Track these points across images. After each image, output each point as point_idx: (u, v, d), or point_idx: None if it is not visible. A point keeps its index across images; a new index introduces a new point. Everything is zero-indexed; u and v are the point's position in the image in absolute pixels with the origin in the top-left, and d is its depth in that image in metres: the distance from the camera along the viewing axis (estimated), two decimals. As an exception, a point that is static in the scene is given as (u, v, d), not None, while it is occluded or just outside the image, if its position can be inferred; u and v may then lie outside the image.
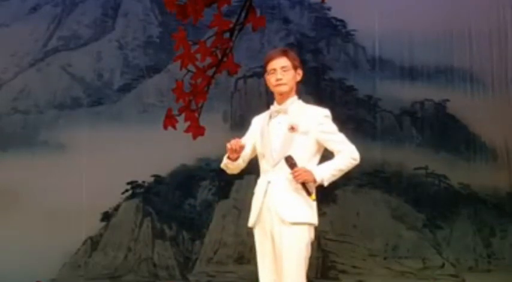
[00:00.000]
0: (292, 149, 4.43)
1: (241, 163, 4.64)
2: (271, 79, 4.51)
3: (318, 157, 4.57)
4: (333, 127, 4.51)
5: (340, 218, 10.61)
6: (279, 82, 4.47)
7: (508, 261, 10.63)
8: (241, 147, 4.46)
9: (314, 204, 4.47)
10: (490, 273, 10.59)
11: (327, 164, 4.43)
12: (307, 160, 4.46)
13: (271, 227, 4.43)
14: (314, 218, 4.48)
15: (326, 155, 4.70)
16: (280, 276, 4.39)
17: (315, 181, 4.34)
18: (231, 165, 4.63)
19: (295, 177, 4.32)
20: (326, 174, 4.37)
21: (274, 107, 4.56)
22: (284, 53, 4.53)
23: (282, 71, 4.48)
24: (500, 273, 10.52)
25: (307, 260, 4.45)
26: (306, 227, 4.45)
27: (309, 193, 4.34)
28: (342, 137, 4.50)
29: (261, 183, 4.53)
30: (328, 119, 4.53)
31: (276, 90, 4.50)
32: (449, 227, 10.86)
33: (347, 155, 4.46)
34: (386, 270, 10.61)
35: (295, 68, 4.53)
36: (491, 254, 10.73)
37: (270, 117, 4.56)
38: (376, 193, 10.98)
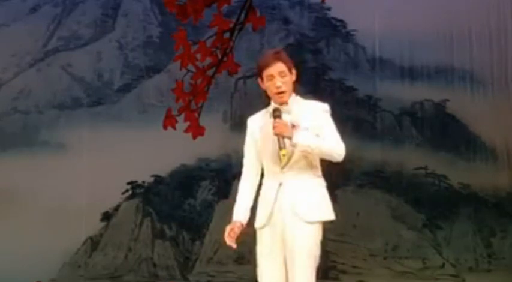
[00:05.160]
0: (298, 149, 4.42)
1: (255, 184, 4.61)
2: (270, 86, 4.48)
3: None
4: (328, 121, 4.49)
5: (340, 218, 10.58)
6: (280, 90, 4.45)
7: (508, 261, 10.63)
8: (240, 228, 4.48)
9: (327, 196, 4.49)
10: (490, 273, 10.59)
11: (311, 135, 4.40)
12: (311, 157, 4.46)
13: (282, 227, 4.42)
14: (332, 213, 4.52)
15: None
16: (292, 276, 4.39)
17: (290, 138, 4.33)
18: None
19: (274, 127, 4.33)
20: (303, 139, 4.34)
21: (275, 107, 4.53)
22: (279, 58, 4.51)
23: (280, 77, 4.46)
24: (500, 273, 10.52)
25: (318, 258, 4.48)
26: (319, 225, 4.47)
27: (280, 146, 4.34)
28: (333, 133, 4.47)
29: (270, 185, 4.50)
30: (326, 114, 4.52)
31: (277, 99, 4.47)
32: (449, 227, 10.86)
33: (333, 144, 4.42)
34: (387, 270, 10.61)
35: (290, 70, 4.52)
36: (491, 254, 10.73)
37: (270, 117, 4.52)
38: (376, 193, 10.98)
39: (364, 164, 10.97)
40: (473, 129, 11.08)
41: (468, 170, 10.98)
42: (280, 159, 4.46)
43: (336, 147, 4.41)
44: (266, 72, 4.49)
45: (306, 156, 4.44)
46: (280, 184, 4.47)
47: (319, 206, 4.48)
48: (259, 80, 4.56)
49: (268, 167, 4.54)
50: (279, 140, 4.33)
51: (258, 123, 4.60)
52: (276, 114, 4.40)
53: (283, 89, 4.47)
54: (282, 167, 4.46)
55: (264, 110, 4.63)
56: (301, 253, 4.41)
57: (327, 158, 4.43)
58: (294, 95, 4.56)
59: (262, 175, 4.63)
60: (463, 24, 11.09)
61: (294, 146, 4.32)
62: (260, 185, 4.59)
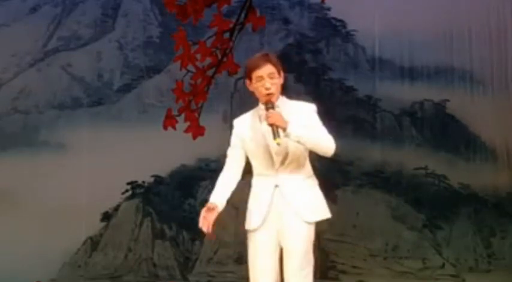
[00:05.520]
0: (290, 149, 4.44)
1: (235, 179, 4.59)
2: (259, 87, 4.49)
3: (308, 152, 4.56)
4: (317, 120, 4.51)
5: (340, 218, 10.61)
6: (269, 91, 4.47)
7: (508, 261, 10.64)
8: (216, 213, 4.47)
9: (322, 195, 4.52)
10: (490, 273, 10.59)
11: (304, 128, 4.41)
12: (304, 156, 4.49)
13: (279, 228, 4.43)
14: (328, 211, 4.55)
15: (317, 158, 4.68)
16: (289, 276, 4.41)
17: (284, 129, 4.35)
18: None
19: (268, 117, 4.34)
20: (297, 129, 4.36)
21: (263, 110, 4.53)
22: (268, 60, 4.53)
23: (269, 78, 4.48)
24: (500, 273, 10.52)
25: (312, 257, 4.51)
26: (314, 225, 4.50)
27: (274, 136, 4.35)
28: (323, 129, 4.49)
29: (264, 187, 4.50)
30: (314, 113, 4.54)
31: (265, 100, 4.48)
32: (449, 227, 10.86)
33: (324, 138, 4.44)
34: (387, 271, 10.61)
35: (279, 72, 4.54)
36: (491, 254, 10.73)
37: (260, 120, 4.52)
38: (376, 193, 10.98)
39: (364, 164, 10.98)
40: (473, 129, 11.08)
41: (468, 170, 10.98)
42: (273, 160, 4.47)
43: (327, 141, 4.44)
44: (255, 74, 4.50)
45: (298, 157, 4.46)
46: (276, 186, 4.48)
47: (317, 205, 4.52)
48: (247, 81, 4.56)
49: (260, 169, 4.54)
50: (273, 130, 4.34)
51: (245, 125, 4.60)
52: (269, 105, 4.42)
53: (272, 90, 4.49)
54: (277, 169, 4.47)
55: (250, 112, 4.63)
56: (299, 253, 4.43)
57: (318, 151, 4.44)
58: (280, 96, 4.58)
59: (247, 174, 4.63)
60: (463, 24, 11.09)
61: (287, 136, 4.33)
62: (237, 183, 4.58)
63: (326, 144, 4.43)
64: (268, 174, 4.50)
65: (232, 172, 4.59)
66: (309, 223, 4.46)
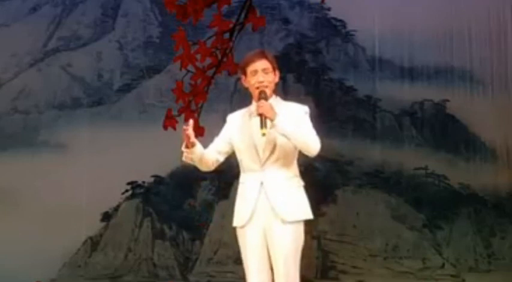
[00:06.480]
0: (277, 147, 4.45)
1: (209, 157, 4.63)
2: (251, 81, 4.52)
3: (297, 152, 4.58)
4: (307, 121, 4.53)
5: (340, 218, 10.61)
6: (262, 84, 4.49)
7: (508, 261, 10.64)
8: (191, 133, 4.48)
9: (305, 196, 4.52)
10: (490, 273, 10.60)
11: (293, 124, 4.43)
12: (291, 156, 4.50)
13: (266, 225, 4.45)
14: (310, 213, 4.53)
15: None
16: (277, 275, 4.43)
17: (272, 120, 4.37)
18: (194, 156, 4.63)
19: (259, 107, 4.36)
20: (284, 123, 4.38)
21: (254, 107, 4.55)
22: (263, 55, 4.56)
23: (264, 73, 4.51)
24: (500, 273, 10.53)
25: (299, 256, 4.51)
26: (298, 225, 4.51)
27: (261, 125, 4.36)
28: (312, 130, 4.51)
29: (250, 184, 4.53)
30: (305, 115, 4.56)
31: (259, 91, 4.50)
32: (449, 227, 10.87)
33: (311, 137, 4.45)
34: (386, 270, 10.61)
35: (274, 69, 4.56)
36: (491, 254, 10.73)
37: (250, 116, 4.55)
38: (376, 193, 10.98)
39: (364, 164, 10.97)
40: (473, 129, 11.09)
41: (468, 170, 10.98)
42: (259, 156, 4.49)
43: (313, 141, 4.46)
44: (250, 68, 4.53)
45: (286, 154, 4.47)
46: (262, 183, 4.50)
47: (299, 205, 4.53)
48: (242, 77, 4.59)
49: (246, 165, 4.56)
50: (261, 119, 4.36)
51: (236, 122, 4.63)
52: (262, 96, 4.44)
53: (265, 84, 4.51)
54: (262, 164, 4.49)
55: (245, 109, 4.65)
56: (282, 253, 4.46)
57: (302, 148, 4.46)
58: (274, 96, 4.59)
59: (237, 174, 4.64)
60: (463, 24, 11.10)
61: (273, 127, 4.35)
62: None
63: (311, 144, 4.45)
64: (254, 170, 4.52)
65: (213, 151, 4.62)
66: (291, 223, 4.47)
